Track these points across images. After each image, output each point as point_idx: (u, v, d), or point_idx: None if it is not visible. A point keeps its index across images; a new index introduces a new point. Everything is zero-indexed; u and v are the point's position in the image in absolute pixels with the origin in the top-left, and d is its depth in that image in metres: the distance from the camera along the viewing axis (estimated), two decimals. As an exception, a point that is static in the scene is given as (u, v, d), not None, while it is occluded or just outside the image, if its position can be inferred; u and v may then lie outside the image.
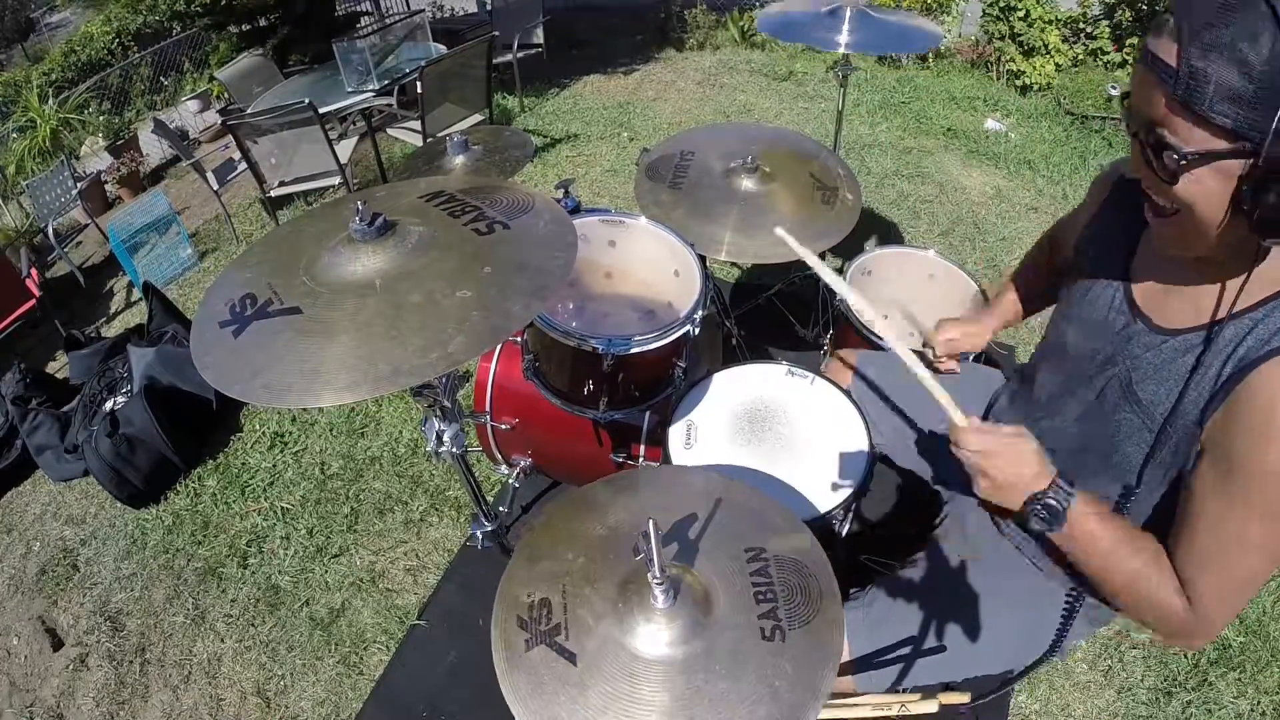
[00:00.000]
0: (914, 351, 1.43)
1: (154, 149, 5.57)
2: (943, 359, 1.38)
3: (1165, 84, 0.71)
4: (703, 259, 1.60)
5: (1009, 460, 0.90)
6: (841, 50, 2.01)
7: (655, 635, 0.80)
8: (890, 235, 3.33)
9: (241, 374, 0.85)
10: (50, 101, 5.94)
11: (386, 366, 0.82)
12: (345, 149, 3.92)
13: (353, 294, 0.92)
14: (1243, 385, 0.79)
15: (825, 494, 1.30)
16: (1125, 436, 0.93)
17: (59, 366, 3.24)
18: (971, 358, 1.72)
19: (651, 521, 0.76)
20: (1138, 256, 0.97)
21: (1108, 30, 4.83)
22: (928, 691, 1.19)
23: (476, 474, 1.86)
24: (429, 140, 3.63)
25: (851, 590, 1.28)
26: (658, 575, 0.78)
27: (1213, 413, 0.82)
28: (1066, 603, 1.11)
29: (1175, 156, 0.73)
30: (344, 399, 0.81)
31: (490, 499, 2.12)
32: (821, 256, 2.75)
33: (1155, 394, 0.89)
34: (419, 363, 0.82)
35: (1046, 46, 4.64)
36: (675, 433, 1.43)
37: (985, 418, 1.29)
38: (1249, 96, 0.66)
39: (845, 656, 1.18)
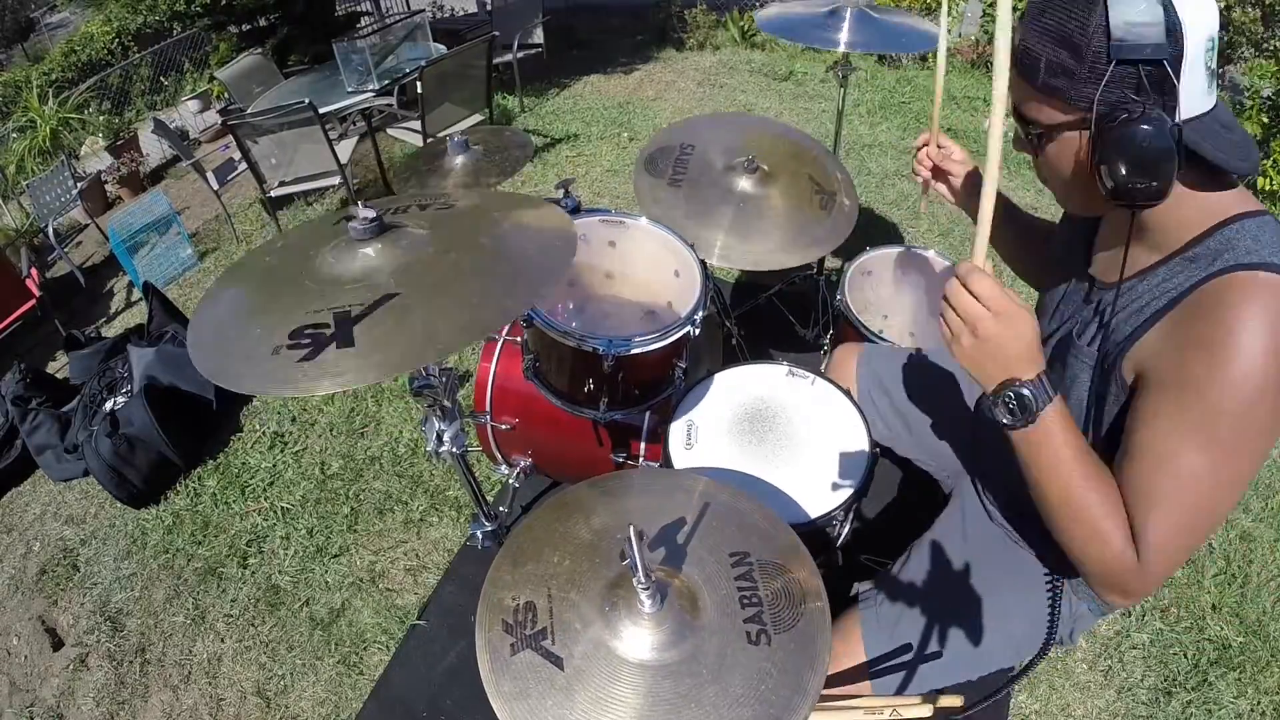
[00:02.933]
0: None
1: (154, 149, 5.58)
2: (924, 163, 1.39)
3: (1017, 68, 0.81)
4: (703, 259, 1.60)
5: (1004, 326, 0.80)
6: (841, 49, 2.01)
7: (642, 639, 0.79)
8: (890, 235, 3.33)
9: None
10: (50, 101, 5.94)
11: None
12: (345, 149, 3.92)
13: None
14: (1190, 301, 0.79)
15: (826, 494, 1.30)
16: (1074, 377, 0.96)
17: (59, 366, 3.24)
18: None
19: (633, 527, 0.76)
20: (1099, 235, 1.03)
21: (1108, 30, 4.83)
22: (929, 696, 1.19)
23: (476, 474, 1.86)
24: (429, 140, 3.63)
25: (860, 591, 1.27)
26: (643, 580, 0.78)
27: (1139, 337, 0.84)
28: (1048, 585, 1.11)
29: (1032, 131, 0.85)
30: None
31: (490, 499, 2.12)
32: (821, 259, 2.74)
33: (1092, 335, 0.93)
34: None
35: (1046, 46, 4.64)
36: (675, 433, 1.43)
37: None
38: (1078, 72, 0.76)
39: (861, 658, 1.17)
